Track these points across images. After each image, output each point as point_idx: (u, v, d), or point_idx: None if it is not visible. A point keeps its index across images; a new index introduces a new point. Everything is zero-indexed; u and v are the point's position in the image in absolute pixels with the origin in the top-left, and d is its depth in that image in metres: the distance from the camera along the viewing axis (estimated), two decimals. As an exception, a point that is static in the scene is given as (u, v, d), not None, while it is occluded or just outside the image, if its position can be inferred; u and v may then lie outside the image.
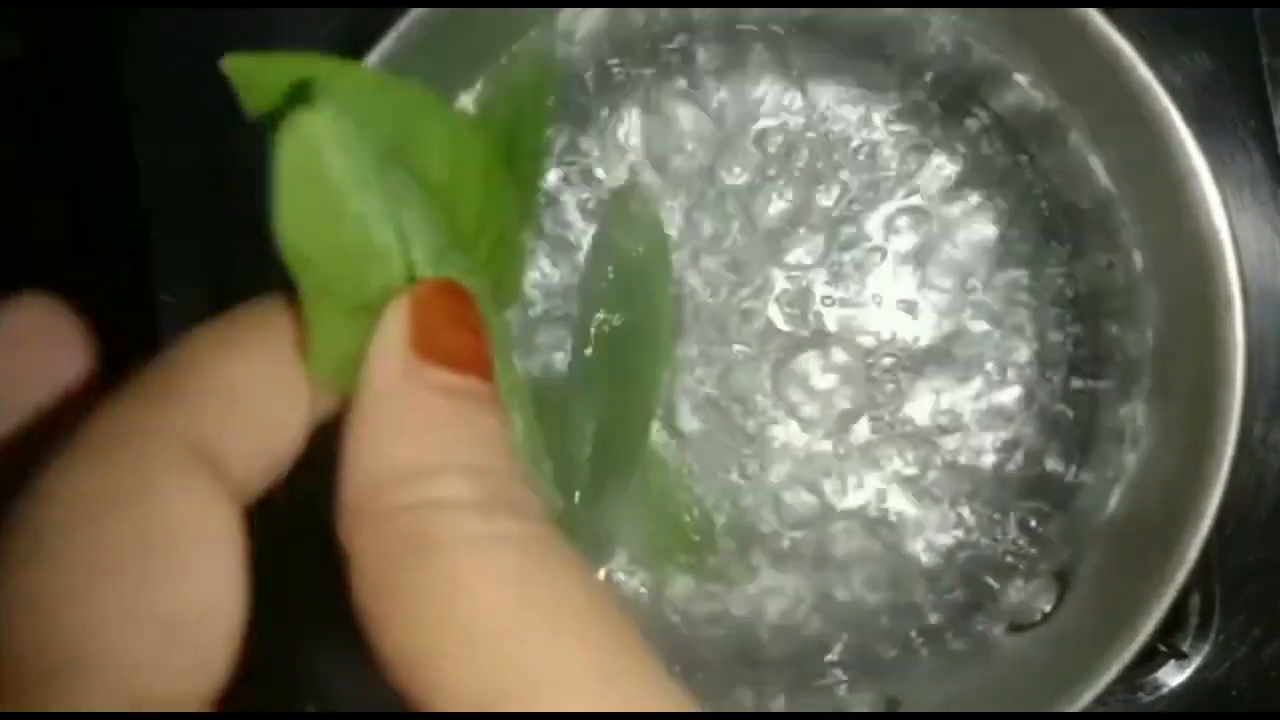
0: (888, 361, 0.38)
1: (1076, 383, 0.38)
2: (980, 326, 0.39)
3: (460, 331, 0.18)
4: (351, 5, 0.39)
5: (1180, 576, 0.30)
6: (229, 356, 0.18)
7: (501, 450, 0.17)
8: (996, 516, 0.38)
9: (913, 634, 0.37)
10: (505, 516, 0.16)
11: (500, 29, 0.34)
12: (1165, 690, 0.39)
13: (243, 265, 0.34)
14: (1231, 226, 0.31)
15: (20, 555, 0.15)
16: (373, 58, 0.32)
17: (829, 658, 0.37)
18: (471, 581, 0.16)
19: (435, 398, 0.17)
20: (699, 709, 0.16)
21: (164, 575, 0.16)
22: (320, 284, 0.18)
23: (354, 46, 0.33)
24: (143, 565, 0.15)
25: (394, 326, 0.18)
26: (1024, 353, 0.39)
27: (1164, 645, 0.38)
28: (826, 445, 0.38)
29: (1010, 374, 0.39)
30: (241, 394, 0.17)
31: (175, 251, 0.42)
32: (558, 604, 0.16)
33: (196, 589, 0.16)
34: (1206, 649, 0.39)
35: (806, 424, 0.39)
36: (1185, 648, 0.39)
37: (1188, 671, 0.39)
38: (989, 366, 0.38)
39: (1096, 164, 0.36)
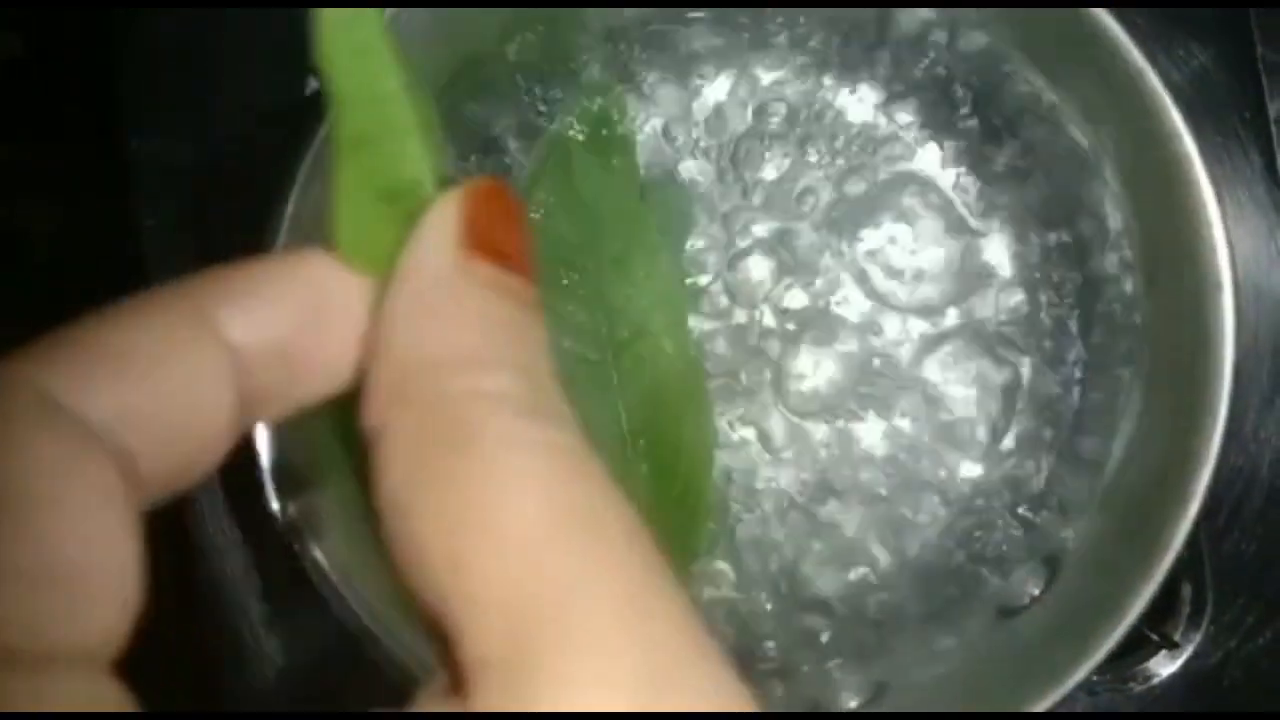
0: (878, 343, 0.39)
1: (1066, 371, 0.38)
2: (970, 314, 0.39)
3: (506, 229, 0.18)
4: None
5: (1168, 559, 0.30)
6: (138, 321, 0.17)
7: (545, 358, 0.17)
8: (986, 503, 0.38)
9: (901, 618, 0.37)
10: (547, 422, 0.16)
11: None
12: (1156, 680, 0.39)
13: (237, 259, 0.34)
14: (1224, 215, 0.31)
15: None
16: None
17: (818, 641, 0.37)
18: (510, 479, 0.15)
19: (487, 292, 0.17)
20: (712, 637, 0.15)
21: (19, 527, 0.15)
22: (354, 141, 0.18)
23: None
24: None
25: (445, 217, 0.17)
26: (1012, 341, 0.39)
27: (1156, 634, 0.38)
28: (817, 425, 0.38)
29: (1001, 362, 0.39)
30: (139, 356, 0.16)
31: (170, 249, 0.42)
32: (591, 515, 0.15)
33: (57, 542, 0.15)
34: (1198, 638, 0.39)
35: (802, 399, 0.39)
36: (1177, 637, 0.39)
37: (1179, 661, 0.39)
38: (978, 350, 0.39)
39: (1091, 155, 0.36)
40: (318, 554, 0.32)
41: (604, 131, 0.38)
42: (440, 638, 0.15)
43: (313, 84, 0.38)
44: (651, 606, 0.15)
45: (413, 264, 0.17)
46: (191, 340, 0.17)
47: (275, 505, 0.32)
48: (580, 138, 0.38)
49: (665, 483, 0.37)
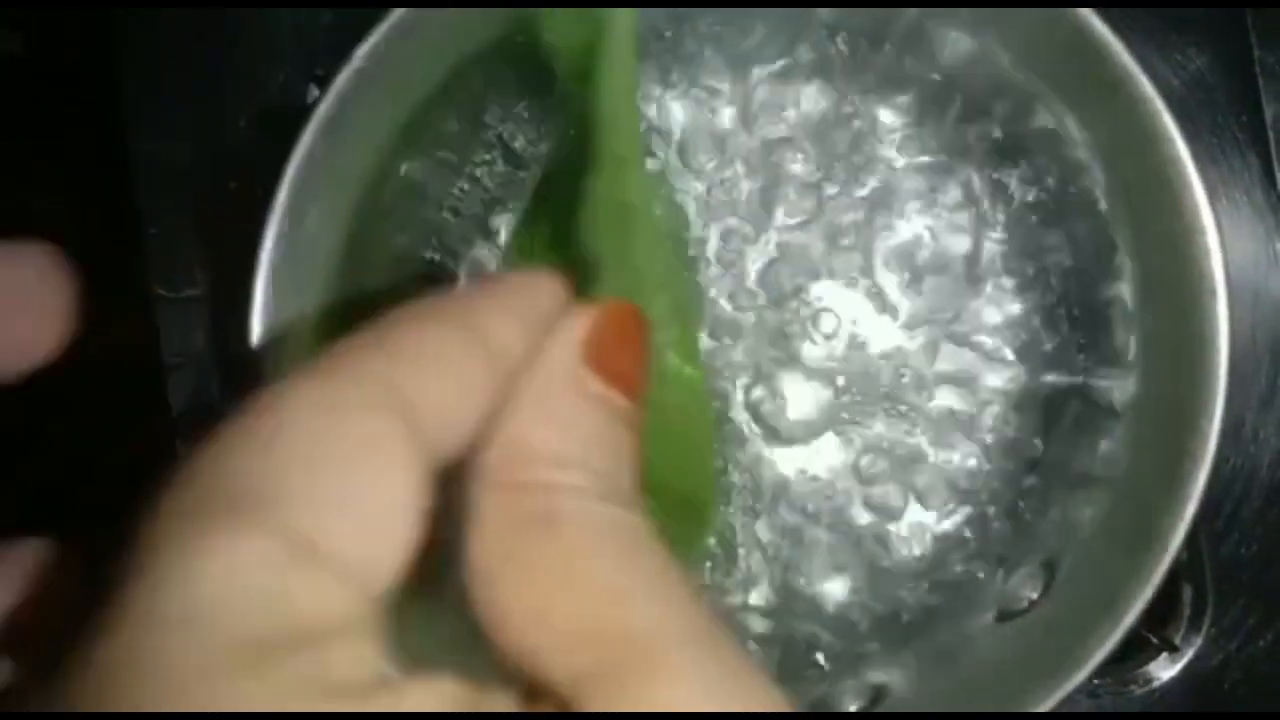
0: (876, 351, 0.39)
1: (1063, 376, 0.38)
2: (963, 318, 0.39)
3: (626, 354, 0.21)
4: (347, 5, 0.40)
5: (1167, 560, 0.30)
6: (427, 327, 0.20)
7: (627, 459, 0.21)
8: (982, 507, 0.38)
9: (898, 623, 0.37)
10: (618, 506, 0.19)
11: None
12: (1157, 683, 0.39)
13: (238, 261, 0.34)
14: (1220, 220, 0.31)
15: (257, 429, 0.18)
16: (363, 49, 0.32)
17: (815, 646, 0.37)
18: (588, 550, 0.18)
19: (588, 404, 0.20)
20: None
21: (349, 476, 0.18)
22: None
23: (349, 44, 0.34)
24: (333, 464, 0.18)
25: (574, 329, 0.21)
26: (1009, 344, 0.39)
27: (1156, 638, 0.38)
28: (814, 430, 0.38)
29: (996, 364, 0.39)
30: (434, 358, 0.20)
31: (171, 248, 0.42)
32: (660, 576, 0.18)
33: (375, 500, 0.18)
34: (1199, 641, 0.39)
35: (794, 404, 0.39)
36: (1177, 640, 0.39)
37: (1180, 664, 0.39)
38: (976, 353, 0.39)
39: (1084, 158, 0.36)
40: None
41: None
42: (523, 691, 0.17)
43: (313, 91, 0.38)
44: (715, 636, 0.18)
45: (539, 366, 0.20)
46: (464, 347, 0.20)
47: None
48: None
49: (668, 492, 0.37)
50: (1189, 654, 0.39)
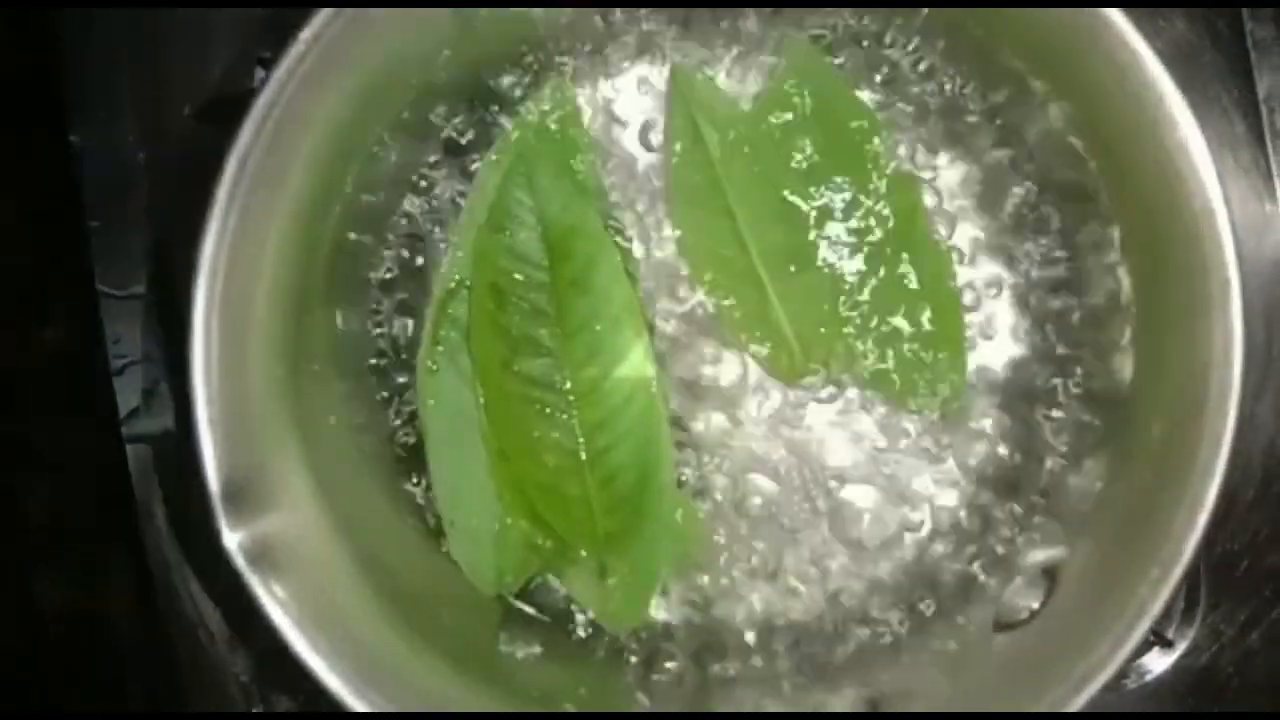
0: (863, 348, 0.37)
1: (1058, 379, 0.37)
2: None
3: None
4: (284, 5, 0.37)
5: (1175, 575, 0.29)
6: None
7: None
8: (981, 515, 0.37)
9: (896, 633, 0.36)
10: None
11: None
12: (1150, 676, 0.38)
13: (181, 259, 0.32)
14: (1232, 218, 0.30)
15: None
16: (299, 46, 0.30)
17: (809, 656, 0.36)
18: None
19: None
20: None
21: None
22: None
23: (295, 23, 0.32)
24: None
25: None
26: (1005, 341, 0.38)
27: (1150, 632, 0.37)
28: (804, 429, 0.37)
29: (993, 362, 0.38)
30: None
31: (115, 246, 0.40)
32: None
33: None
34: (1192, 633, 0.39)
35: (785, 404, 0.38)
36: (1170, 634, 0.38)
37: (1173, 657, 0.38)
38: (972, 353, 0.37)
39: (1080, 136, 0.34)
40: (276, 588, 0.30)
41: (559, 132, 0.37)
42: None
43: (260, 74, 0.36)
44: None
45: None
46: None
47: (226, 534, 0.30)
48: (536, 138, 0.37)
49: (624, 505, 0.36)
50: (1182, 647, 0.38)
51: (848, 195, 0.37)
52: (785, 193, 0.37)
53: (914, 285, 0.37)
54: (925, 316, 0.37)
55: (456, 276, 0.37)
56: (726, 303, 0.37)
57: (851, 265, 0.37)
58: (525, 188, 0.36)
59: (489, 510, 0.36)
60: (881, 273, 0.37)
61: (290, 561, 0.30)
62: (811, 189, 0.37)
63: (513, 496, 0.36)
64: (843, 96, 0.37)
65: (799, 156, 0.37)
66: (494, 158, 0.37)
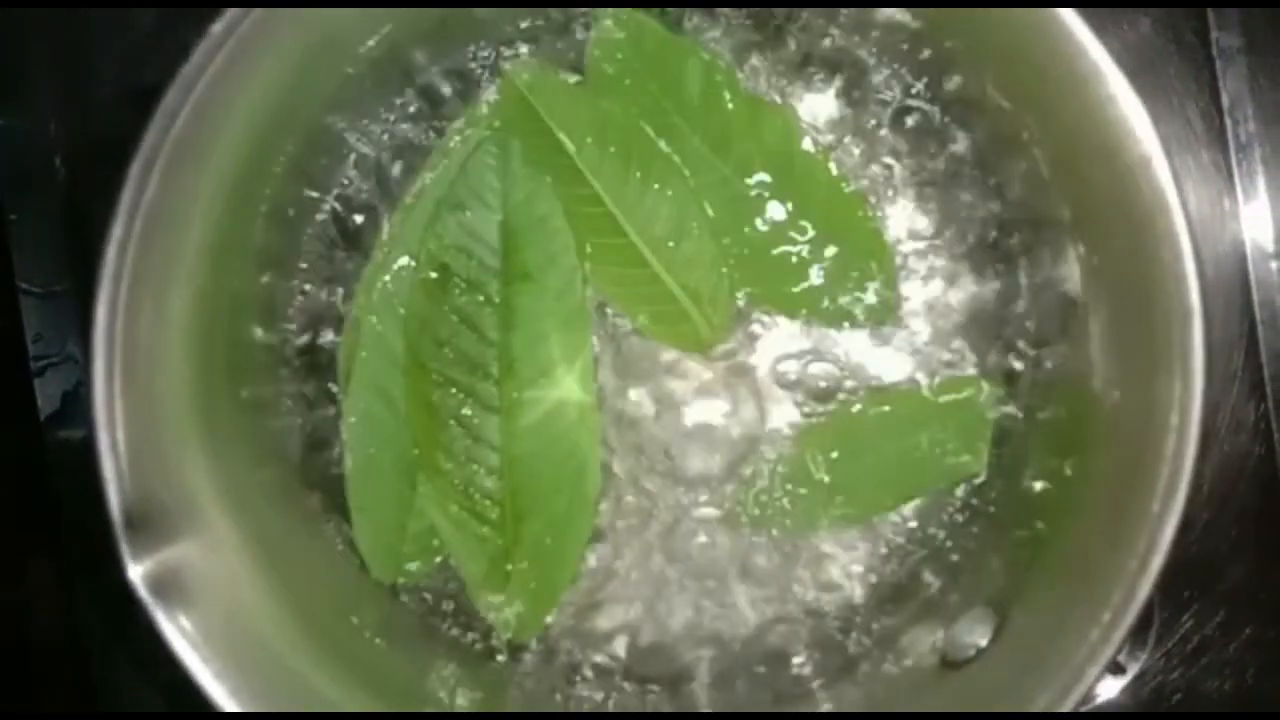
0: (817, 369, 0.36)
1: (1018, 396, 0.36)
2: (916, 335, 0.37)
3: None
4: (207, 5, 0.36)
5: (1131, 615, 0.28)
6: None
7: None
8: (924, 545, 0.36)
9: (837, 669, 0.35)
10: None
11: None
12: (1101, 700, 0.38)
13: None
14: (1194, 238, 0.29)
15: None
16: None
17: (743, 692, 0.35)
18: None
19: None
20: None
21: None
22: None
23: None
24: None
25: None
26: (963, 353, 0.37)
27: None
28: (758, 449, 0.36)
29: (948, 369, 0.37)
30: None
31: (36, 238, 0.38)
32: None
33: None
34: (1144, 658, 0.38)
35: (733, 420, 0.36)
36: (1121, 659, 0.37)
37: (1124, 681, 0.38)
38: (924, 373, 0.36)
39: (1036, 140, 0.33)
40: (182, 621, 0.28)
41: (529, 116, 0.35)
42: None
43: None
44: None
45: None
46: None
47: (130, 567, 0.28)
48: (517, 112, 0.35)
49: (537, 515, 0.35)
50: (1133, 672, 0.38)
51: (713, 136, 0.35)
52: (647, 161, 0.35)
53: (810, 203, 0.35)
54: (831, 226, 0.35)
55: (397, 255, 0.35)
56: (619, 289, 0.36)
57: (738, 209, 0.35)
58: (496, 170, 0.35)
59: (400, 499, 0.35)
60: (779, 206, 0.35)
61: (200, 589, 0.29)
62: (672, 146, 0.35)
63: (425, 487, 0.35)
64: (670, 45, 0.35)
65: (649, 117, 0.35)
66: (466, 132, 0.36)
